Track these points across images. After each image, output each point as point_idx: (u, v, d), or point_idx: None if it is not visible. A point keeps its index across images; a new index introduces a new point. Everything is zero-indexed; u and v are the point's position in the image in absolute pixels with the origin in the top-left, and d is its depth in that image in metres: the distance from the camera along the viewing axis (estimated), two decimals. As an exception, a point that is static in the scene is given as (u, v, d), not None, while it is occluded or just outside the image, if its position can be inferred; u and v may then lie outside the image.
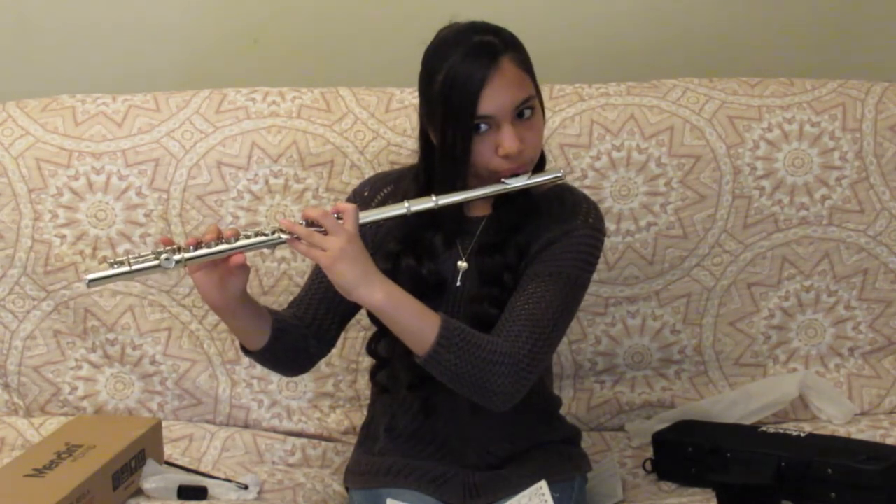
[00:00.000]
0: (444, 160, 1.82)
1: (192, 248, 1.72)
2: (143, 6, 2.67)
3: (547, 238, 1.87)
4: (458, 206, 1.86)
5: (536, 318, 1.80)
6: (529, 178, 1.82)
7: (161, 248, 1.72)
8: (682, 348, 2.42)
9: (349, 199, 2.02)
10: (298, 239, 1.72)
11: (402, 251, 1.89)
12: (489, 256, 1.87)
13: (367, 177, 2.35)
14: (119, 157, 2.37)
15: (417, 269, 1.87)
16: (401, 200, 1.84)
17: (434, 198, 1.79)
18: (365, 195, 1.99)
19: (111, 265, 1.71)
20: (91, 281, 1.72)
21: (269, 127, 2.39)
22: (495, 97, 1.78)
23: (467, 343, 1.76)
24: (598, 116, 2.41)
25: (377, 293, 1.74)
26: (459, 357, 1.75)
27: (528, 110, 1.81)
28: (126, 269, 1.71)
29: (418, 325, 1.76)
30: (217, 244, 1.72)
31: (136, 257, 1.72)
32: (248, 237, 1.74)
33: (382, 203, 1.95)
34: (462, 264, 1.90)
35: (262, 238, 1.74)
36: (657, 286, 2.41)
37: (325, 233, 1.72)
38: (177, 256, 1.71)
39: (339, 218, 1.73)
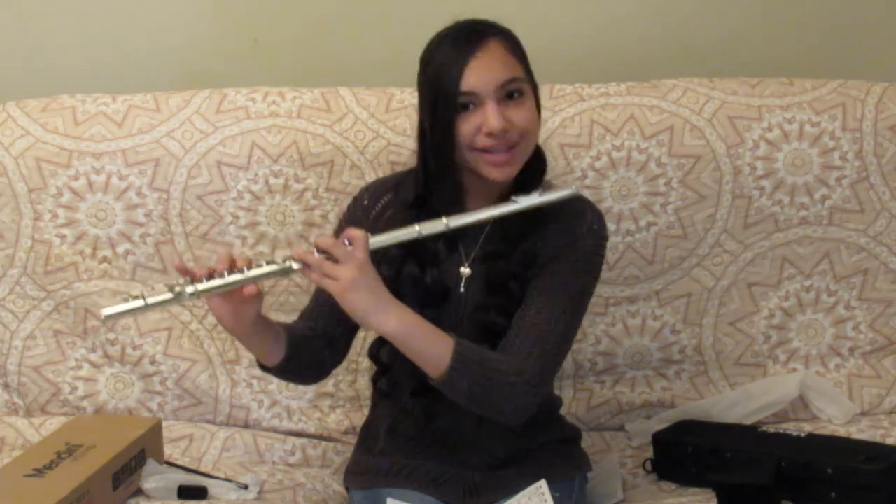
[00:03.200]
0: (433, 142, 1.83)
1: (204, 278, 1.72)
2: (143, 6, 2.67)
3: (553, 248, 1.87)
4: (462, 210, 1.86)
5: (546, 334, 1.83)
6: (541, 196, 1.81)
7: (175, 282, 1.73)
8: (682, 348, 2.42)
9: (348, 208, 2.02)
10: (310, 267, 1.73)
11: (405, 257, 1.88)
12: (494, 264, 1.87)
13: (366, 179, 2.36)
14: (119, 157, 2.37)
15: (421, 277, 1.88)
16: (401, 208, 1.87)
17: (445, 220, 1.78)
18: (364, 204, 1.98)
19: (126, 300, 1.72)
20: (107, 317, 1.73)
21: (269, 127, 2.39)
22: (479, 73, 1.79)
23: (480, 366, 1.77)
24: (598, 116, 2.41)
25: (390, 321, 1.75)
26: (473, 380, 1.77)
27: (516, 92, 1.82)
28: (141, 303, 1.72)
29: (431, 350, 1.78)
30: (230, 273, 1.73)
31: (151, 291, 1.73)
32: (259, 266, 1.74)
33: (383, 212, 1.95)
34: (465, 270, 1.90)
35: (274, 267, 1.74)
36: (657, 286, 2.41)
37: (337, 261, 1.72)
38: (189, 289, 1.72)
39: (349, 244, 1.73)
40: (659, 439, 2.21)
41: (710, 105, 2.44)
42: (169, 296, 1.72)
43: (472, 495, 1.92)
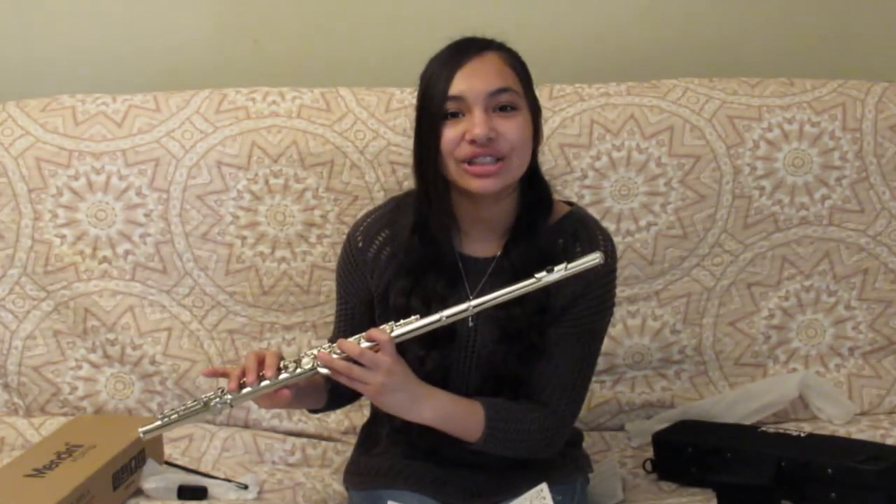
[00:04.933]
0: (419, 152, 1.82)
1: (233, 393, 1.75)
2: (142, 6, 2.67)
3: (568, 292, 1.83)
4: (452, 243, 1.86)
5: (572, 382, 1.86)
6: (566, 271, 1.72)
7: (207, 395, 1.77)
8: (682, 348, 2.42)
9: (344, 252, 1.97)
10: (338, 372, 1.74)
11: (412, 292, 1.85)
12: (505, 309, 1.81)
13: (366, 179, 2.36)
14: (119, 157, 2.37)
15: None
16: (399, 244, 1.87)
17: (469, 303, 1.74)
18: (359, 246, 1.93)
19: (161, 419, 1.76)
20: (144, 433, 1.77)
21: (269, 127, 2.39)
22: (470, 79, 1.77)
23: (512, 431, 1.82)
24: (598, 116, 2.41)
25: (425, 413, 1.79)
26: (506, 444, 1.83)
27: (508, 106, 1.79)
28: (176, 417, 1.76)
29: (465, 426, 1.82)
30: (259, 382, 1.74)
31: (184, 408, 1.77)
32: (286, 367, 1.75)
33: (380, 251, 1.91)
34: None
35: (302, 372, 1.75)
36: (657, 286, 2.41)
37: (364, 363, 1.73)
38: (221, 403, 1.75)
39: (375, 346, 1.73)
40: (659, 439, 2.20)
41: (710, 105, 2.44)
42: (203, 409, 1.76)
43: (473, 497, 1.91)
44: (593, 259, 1.72)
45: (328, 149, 2.38)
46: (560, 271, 1.72)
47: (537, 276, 1.73)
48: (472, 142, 1.76)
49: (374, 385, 1.72)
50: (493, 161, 1.78)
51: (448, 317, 1.74)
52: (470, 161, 1.78)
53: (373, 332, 1.74)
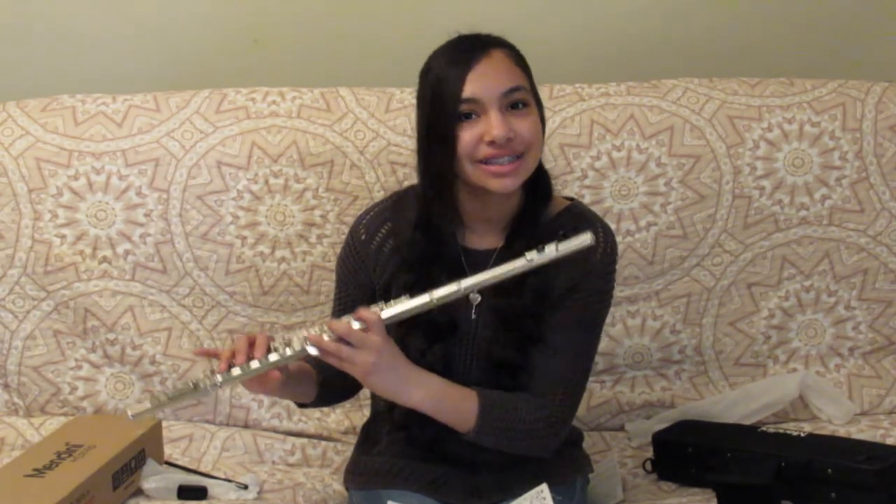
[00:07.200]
0: (431, 155, 1.81)
1: (223, 374, 1.74)
2: (142, 6, 2.67)
3: (567, 281, 1.84)
4: (456, 236, 1.86)
5: (568, 374, 1.85)
6: (557, 252, 1.73)
7: (197, 378, 1.76)
8: (682, 348, 2.42)
9: (346, 245, 1.97)
10: (328, 352, 1.73)
11: (415, 286, 1.83)
12: (505, 298, 1.83)
13: (366, 179, 2.36)
14: (119, 157, 2.37)
15: (429, 312, 1.80)
16: (402, 237, 1.86)
17: (458, 284, 1.74)
18: (362, 239, 1.94)
19: (151, 400, 1.75)
20: (135, 415, 1.76)
21: (269, 127, 2.39)
22: (482, 80, 1.77)
23: (506, 421, 1.81)
24: (598, 116, 2.41)
25: (414, 396, 1.78)
26: (499, 434, 1.81)
27: (520, 103, 1.80)
28: (165, 399, 1.75)
29: (458, 413, 1.81)
30: (249, 363, 1.74)
31: (174, 390, 1.76)
32: (276, 350, 1.75)
33: (382, 244, 1.92)
34: (475, 296, 1.85)
35: (292, 353, 1.75)
36: (657, 286, 2.41)
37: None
38: (211, 385, 1.74)
39: (364, 326, 1.72)
40: (659, 439, 2.21)
41: (710, 105, 2.44)
42: (193, 391, 1.75)
43: (473, 497, 1.91)
44: (584, 240, 1.73)
45: (328, 149, 2.38)
46: (551, 251, 1.72)
47: (528, 256, 1.73)
48: (491, 143, 1.77)
49: (363, 364, 1.72)
50: (510, 160, 1.79)
51: (439, 298, 1.74)
52: (487, 161, 1.79)
53: (362, 311, 1.74)
